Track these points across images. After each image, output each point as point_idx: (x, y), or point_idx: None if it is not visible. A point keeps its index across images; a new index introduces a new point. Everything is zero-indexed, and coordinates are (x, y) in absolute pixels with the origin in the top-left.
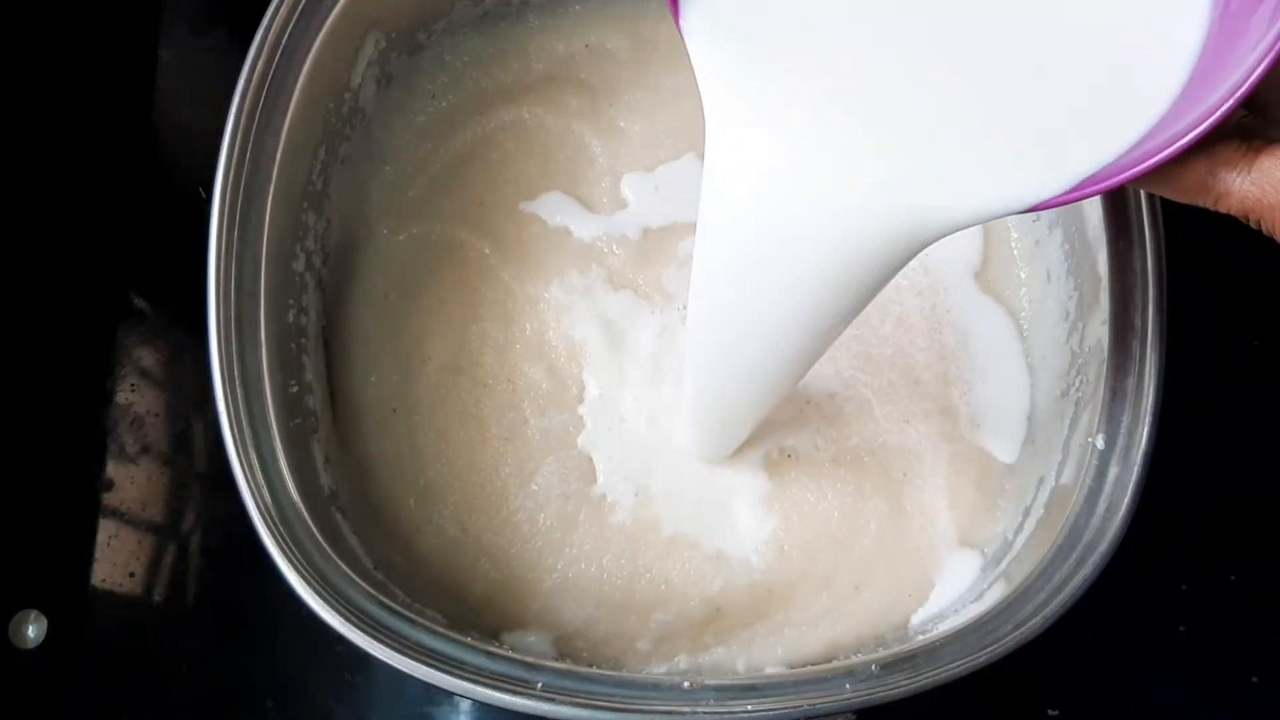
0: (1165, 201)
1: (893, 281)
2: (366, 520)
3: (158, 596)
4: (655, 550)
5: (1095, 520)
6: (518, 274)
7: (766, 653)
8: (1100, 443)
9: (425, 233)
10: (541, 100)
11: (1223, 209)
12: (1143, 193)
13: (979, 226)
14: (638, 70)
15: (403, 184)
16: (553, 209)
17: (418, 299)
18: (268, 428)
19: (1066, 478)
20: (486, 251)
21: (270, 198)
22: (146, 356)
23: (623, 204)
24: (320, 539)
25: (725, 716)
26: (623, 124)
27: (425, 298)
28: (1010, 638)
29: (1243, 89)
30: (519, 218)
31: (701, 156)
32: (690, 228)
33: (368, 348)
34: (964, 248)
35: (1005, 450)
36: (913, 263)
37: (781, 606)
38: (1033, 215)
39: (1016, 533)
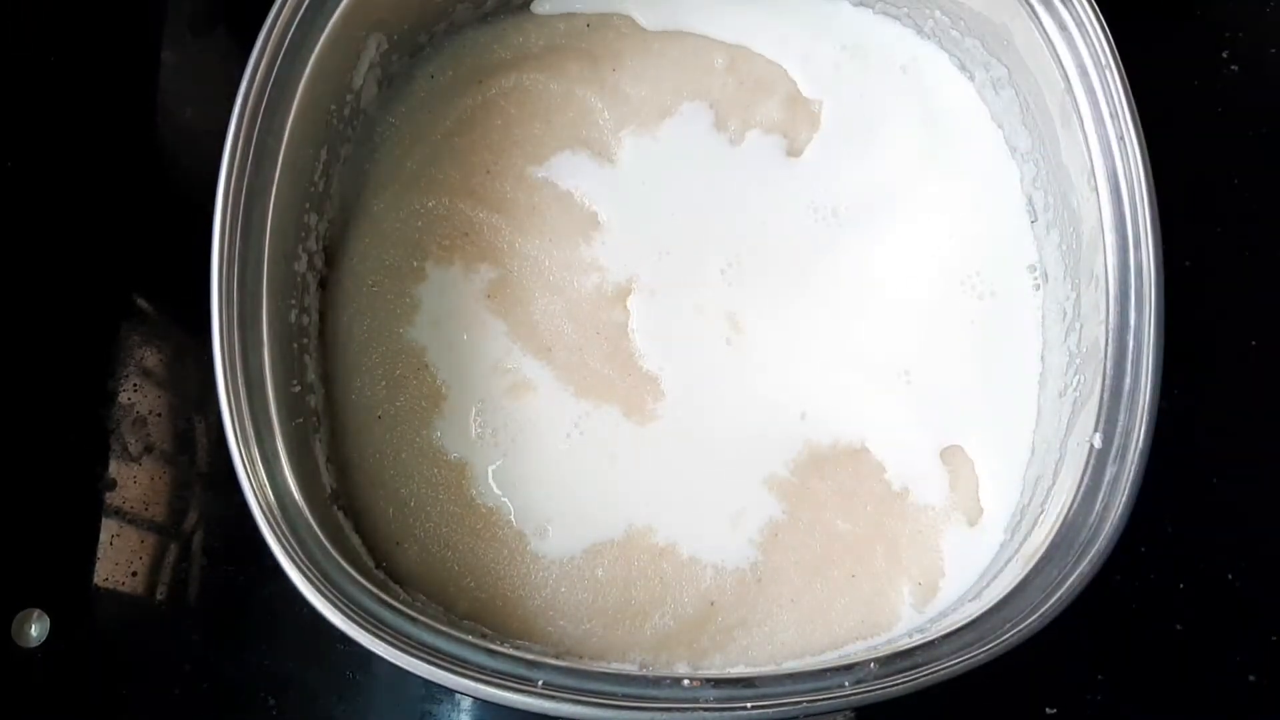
0: (1163, 201)
1: (905, 280)
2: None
3: (160, 595)
4: (649, 554)
5: (1092, 519)
6: (542, 245)
7: (765, 659)
8: (1098, 442)
9: (425, 208)
10: (542, 67)
11: None
12: (1141, 192)
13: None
14: (641, 39)
15: (400, 155)
16: (564, 171)
17: (412, 288)
18: (270, 427)
19: (1064, 477)
20: (501, 228)
21: (272, 198)
22: (149, 356)
23: (631, 160)
24: (322, 538)
25: (725, 714)
26: (627, 89)
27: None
28: (1008, 636)
29: None
30: (529, 185)
31: (708, 108)
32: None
33: (351, 346)
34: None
35: (1011, 441)
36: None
37: (774, 596)
38: (1030, 215)
39: (1014, 531)
